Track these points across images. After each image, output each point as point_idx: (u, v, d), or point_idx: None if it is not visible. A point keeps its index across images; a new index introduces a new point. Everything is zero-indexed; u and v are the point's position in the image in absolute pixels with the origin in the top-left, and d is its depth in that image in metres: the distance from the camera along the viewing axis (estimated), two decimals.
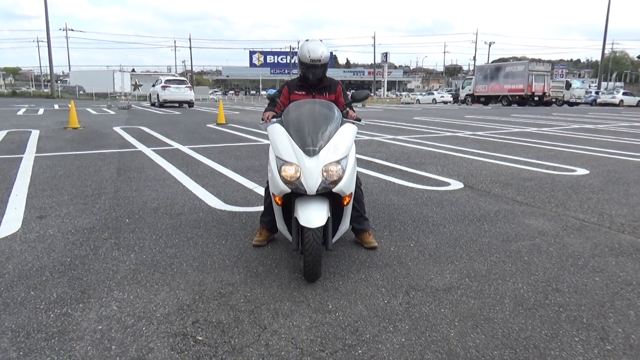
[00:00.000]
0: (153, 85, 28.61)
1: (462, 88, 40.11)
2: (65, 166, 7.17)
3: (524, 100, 34.02)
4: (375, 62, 77.40)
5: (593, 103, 40.90)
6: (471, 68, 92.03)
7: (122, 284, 3.04)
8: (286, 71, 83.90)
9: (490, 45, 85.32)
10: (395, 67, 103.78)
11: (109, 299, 2.84)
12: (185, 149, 9.14)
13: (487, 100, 36.75)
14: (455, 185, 6.15)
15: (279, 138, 3.21)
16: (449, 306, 2.80)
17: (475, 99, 37.70)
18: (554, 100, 35.77)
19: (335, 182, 3.03)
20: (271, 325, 2.56)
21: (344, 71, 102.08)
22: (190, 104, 26.92)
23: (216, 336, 2.44)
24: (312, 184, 2.98)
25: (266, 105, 3.89)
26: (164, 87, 25.78)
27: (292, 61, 69.16)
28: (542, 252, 3.73)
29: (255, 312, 2.70)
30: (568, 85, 38.25)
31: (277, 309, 2.74)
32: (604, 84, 47.19)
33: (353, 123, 3.46)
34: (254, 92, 76.70)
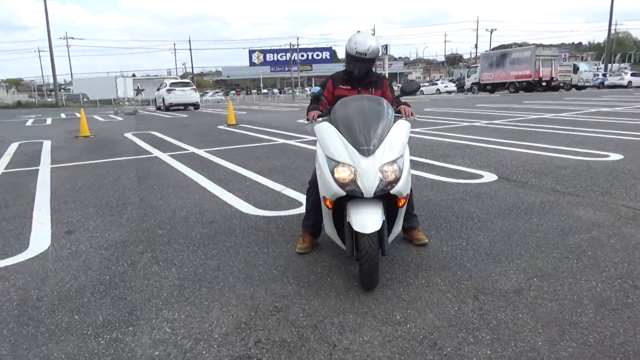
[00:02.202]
0: (158, 89, 28.43)
1: (468, 77, 39.66)
2: (84, 177, 6.99)
3: (532, 86, 33.59)
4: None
5: (601, 86, 40.43)
6: (472, 56, 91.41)
7: (169, 302, 2.85)
8: (286, 69, 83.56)
9: (491, 33, 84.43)
10: (395, 59, 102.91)
11: (159, 319, 2.65)
12: (201, 152, 8.95)
13: (494, 87, 36.32)
14: (489, 177, 5.92)
15: (330, 137, 3.00)
16: (526, 310, 2.60)
17: (481, 87, 37.27)
18: (561, 84, 35.32)
19: (393, 183, 2.82)
20: (340, 342, 2.36)
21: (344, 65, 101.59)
22: (196, 106, 26.73)
23: (284, 357, 2.24)
24: (369, 185, 2.77)
25: (309, 104, 3.70)
26: (169, 91, 25.59)
27: (292, 58, 68.70)
28: (604, 246, 3.51)
29: (320, 328, 2.50)
30: (575, 69, 37.74)
31: (342, 323, 2.54)
32: (592, 66, 46.78)
33: (406, 119, 3.24)
34: (266, 91, 76.39)
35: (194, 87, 27.39)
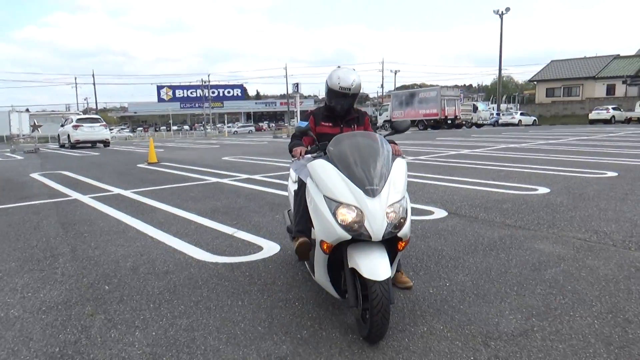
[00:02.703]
0: (62, 125, 26.43)
1: (380, 114, 41.42)
2: None
3: (438, 123, 35.79)
4: (287, 92, 77.96)
5: (495, 124, 44.02)
6: (379, 95, 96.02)
7: None
8: (197, 105, 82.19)
9: (396, 74, 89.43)
10: (305, 97, 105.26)
11: None
12: (128, 193, 8.26)
13: None
14: (439, 213, 5.99)
15: (329, 176, 2.77)
16: (542, 355, 2.50)
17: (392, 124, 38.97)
18: (464, 122, 38.00)
19: (400, 226, 2.66)
20: None
21: (256, 102, 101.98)
22: (106, 143, 25.12)
23: None
24: (377, 228, 2.57)
25: (290, 140, 3.48)
26: (76, 127, 23.85)
27: (204, 95, 67.58)
28: (579, 279, 3.58)
29: None
30: (475, 109, 40.87)
31: None
32: (489, 105, 51.40)
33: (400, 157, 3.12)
34: (176, 127, 73.89)
35: (104, 123, 25.80)
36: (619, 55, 52.37)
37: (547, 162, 10.92)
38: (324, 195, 2.74)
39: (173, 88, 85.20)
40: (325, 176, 2.78)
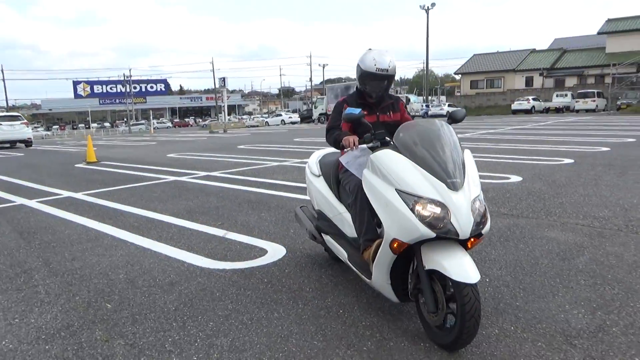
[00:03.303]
0: None
1: (315, 107, 41.36)
2: None
3: None
4: (215, 87, 75.88)
5: (425, 115, 45.37)
6: (307, 89, 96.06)
7: None
8: (117, 101, 78.12)
9: (324, 67, 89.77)
10: (231, 92, 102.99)
11: None
12: (81, 196, 7.45)
13: None
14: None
15: (403, 168, 2.47)
16: (636, 351, 2.37)
17: (328, 117, 39.00)
18: None
19: (484, 222, 2.42)
20: None
21: (181, 97, 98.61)
22: (27, 143, 22.99)
23: None
24: (465, 225, 2.31)
25: (328, 130, 3.15)
26: None
27: (126, 90, 64.08)
28: (613, 267, 3.54)
29: None
30: (408, 101, 41.87)
31: None
32: (419, 98, 53.18)
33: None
34: (97, 124, 69.74)
35: (25, 121, 23.60)
36: (534, 49, 55.73)
37: (503, 152, 11.21)
38: (396, 189, 2.45)
39: (91, 83, 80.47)
40: (398, 168, 2.48)
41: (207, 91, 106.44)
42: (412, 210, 2.35)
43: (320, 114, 39.86)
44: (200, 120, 75.74)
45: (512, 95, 48.75)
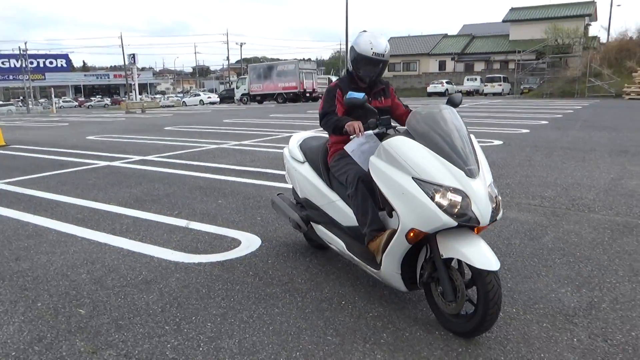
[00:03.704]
0: None
1: (237, 88, 40.34)
2: None
3: (297, 97, 36.11)
4: (125, 64, 71.48)
5: None
6: (223, 67, 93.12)
7: None
8: (11, 77, 71.09)
9: (241, 46, 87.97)
10: (142, 70, 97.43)
11: None
12: (1, 185, 6.67)
13: (263, 98, 37.81)
14: None
15: (420, 155, 2.40)
16: (630, 327, 2.52)
17: (251, 97, 38.36)
18: (320, 95, 38.93)
19: (498, 208, 2.42)
20: None
21: (85, 75, 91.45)
22: None
23: None
24: (485, 212, 2.30)
25: (323, 116, 2.99)
26: None
27: (22, 65, 58.25)
28: (578, 245, 3.77)
29: None
30: (330, 82, 42.14)
31: None
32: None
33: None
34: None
35: None
36: (447, 34, 58.21)
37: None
38: (413, 178, 2.38)
39: None
40: (415, 155, 2.41)
41: (113, 68, 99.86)
42: (432, 199, 2.30)
43: (243, 95, 38.97)
44: (108, 99, 70.87)
45: (427, 78, 50.65)
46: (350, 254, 2.92)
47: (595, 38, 45.33)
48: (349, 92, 2.79)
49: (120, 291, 3.11)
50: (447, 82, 43.98)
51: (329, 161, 3.21)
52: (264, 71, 37.70)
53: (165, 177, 6.90)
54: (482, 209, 2.30)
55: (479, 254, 2.29)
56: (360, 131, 2.73)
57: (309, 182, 3.34)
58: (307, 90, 36.55)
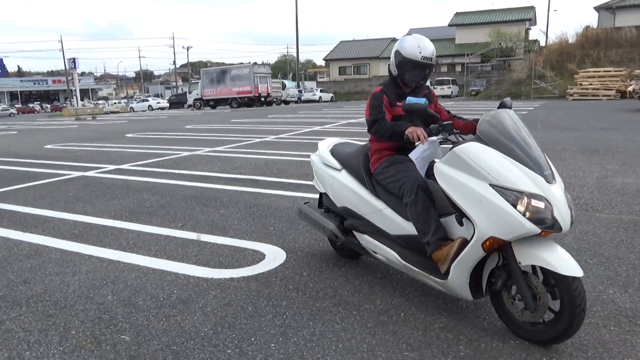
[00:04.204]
0: None
1: (189, 92, 39.33)
2: None
3: (252, 101, 35.67)
4: (66, 68, 68.17)
5: (298, 101, 46.02)
6: (168, 72, 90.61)
7: None
8: None
9: (188, 50, 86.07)
10: (82, 75, 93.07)
11: None
12: None
13: (217, 103, 37.08)
14: None
15: (497, 161, 2.36)
16: None
17: (205, 102, 37.52)
18: (274, 100, 38.69)
19: (573, 213, 2.42)
20: None
21: (22, 80, 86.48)
22: None
23: None
24: (566, 218, 2.29)
25: (372, 122, 2.92)
26: None
27: None
28: (598, 245, 3.85)
29: None
30: (284, 86, 41.99)
31: None
32: (294, 83, 53.65)
33: None
34: None
35: None
36: (395, 38, 59.40)
37: None
38: (490, 184, 2.34)
39: None
40: (493, 162, 2.37)
41: (51, 73, 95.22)
42: (514, 206, 2.27)
43: (196, 99, 38.06)
44: (48, 106, 67.44)
45: (377, 81, 51.36)
46: (406, 264, 2.84)
47: (535, 41, 47.68)
48: (408, 98, 2.73)
49: (159, 313, 2.90)
50: None
51: (372, 168, 3.13)
52: (217, 75, 36.98)
53: (151, 187, 6.58)
54: (563, 215, 2.28)
55: (562, 260, 2.28)
56: (425, 138, 2.66)
57: (349, 190, 3.24)
58: (262, 95, 36.20)
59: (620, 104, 22.51)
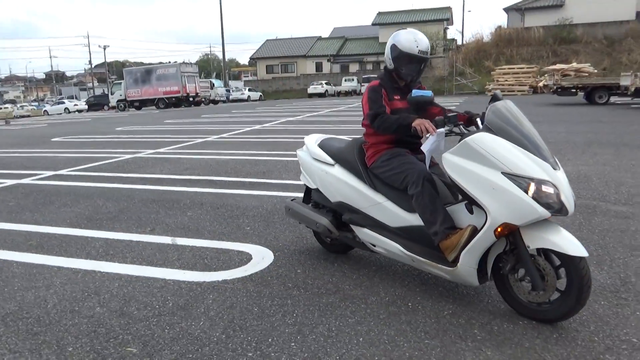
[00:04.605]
0: None
1: (112, 93, 37.27)
2: None
3: (180, 101, 34.54)
4: None
5: (227, 100, 45.22)
6: (82, 72, 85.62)
7: None
8: None
9: (105, 49, 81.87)
10: None
11: None
12: None
13: (142, 104, 35.51)
14: None
15: (508, 150, 2.46)
16: None
17: (129, 103, 35.79)
18: (203, 99, 37.71)
19: (574, 199, 2.58)
20: None
21: None
22: None
23: None
24: (571, 201, 2.45)
25: (374, 116, 2.93)
26: None
27: None
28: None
29: None
30: (212, 85, 41.03)
31: None
32: (221, 82, 52.50)
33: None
34: None
35: None
36: (320, 37, 60.02)
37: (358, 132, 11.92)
38: (502, 173, 2.44)
39: None
40: (504, 151, 2.47)
41: None
42: (526, 192, 2.39)
43: (119, 100, 36.21)
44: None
45: (305, 79, 51.71)
46: (411, 254, 2.89)
47: (453, 40, 50.12)
48: (414, 90, 2.79)
49: (159, 321, 2.75)
50: (326, 83, 45.33)
51: (368, 162, 3.16)
52: (142, 75, 35.39)
53: (102, 192, 6.20)
54: (569, 199, 2.43)
55: (568, 242, 2.42)
56: (434, 130, 2.72)
57: (345, 184, 3.24)
58: (191, 95, 35.15)
59: (534, 99, 24.21)
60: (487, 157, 2.50)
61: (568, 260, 2.42)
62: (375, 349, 2.39)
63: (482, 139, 2.55)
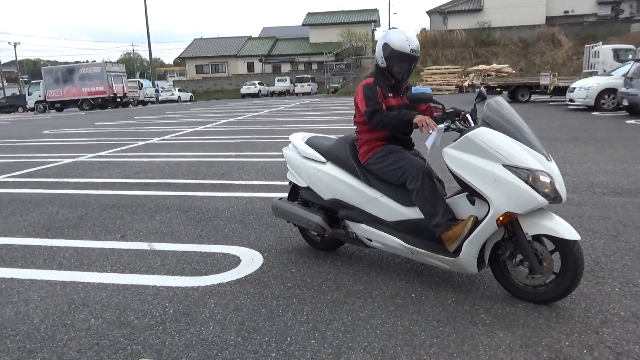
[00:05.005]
0: None
1: (29, 94, 34.67)
2: None
3: (107, 102, 32.85)
4: None
5: (156, 101, 43.67)
6: None
7: None
8: None
9: (15, 46, 76.26)
10: None
11: None
12: None
13: (64, 105, 33.38)
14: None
15: (506, 144, 2.62)
16: None
17: (50, 105, 33.51)
18: (131, 100, 36.12)
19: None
20: None
21: None
22: None
23: None
24: (564, 190, 2.65)
25: (373, 113, 2.97)
26: None
27: None
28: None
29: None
30: (141, 86, 39.39)
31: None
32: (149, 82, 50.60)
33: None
34: None
35: None
36: (251, 36, 59.46)
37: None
38: (503, 165, 2.59)
39: None
40: (504, 144, 2.62)
41: None
42: (526, 182, 2.55)
43: (38, 102, 33.82)
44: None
45: (237, 79, 51.06)
46: (412, 247, 2.98)
47: None
48: (414, 88, 2.88)
49: (166, 329, 2.65)
50: (259, 83, 45.04)
51: (361, 159, 3.22)
52: (63, 74, 33.24)
53: (53, 198, 5.81)
54: (562, 188, 2.63)
55: (563, 227, 2.62)
56: (435, 126, 2.81)
57: (339, 181, 3.28)
58: (118, 95, 33.54)
59: (461, 97, 25.37)
60: (488, 150, 2.64)
61: (563, 244, 2.61)
62: (395, 340, 2.45)
63: (483, 134, 2.68)
